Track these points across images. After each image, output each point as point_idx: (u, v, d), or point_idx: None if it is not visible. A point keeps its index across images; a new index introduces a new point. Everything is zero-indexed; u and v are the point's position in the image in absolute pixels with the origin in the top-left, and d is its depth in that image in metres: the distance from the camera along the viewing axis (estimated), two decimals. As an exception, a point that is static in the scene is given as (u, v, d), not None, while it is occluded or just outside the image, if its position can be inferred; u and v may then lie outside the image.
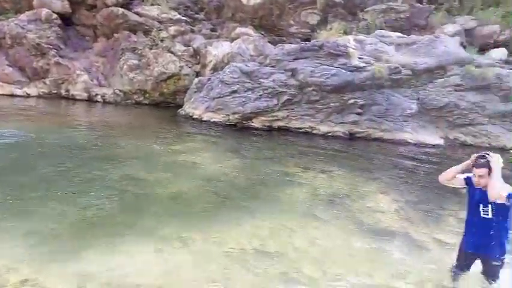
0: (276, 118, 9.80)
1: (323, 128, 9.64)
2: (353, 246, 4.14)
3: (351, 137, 9.59)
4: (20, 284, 2.96)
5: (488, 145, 9.45)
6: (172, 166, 6.51)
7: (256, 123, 9.85)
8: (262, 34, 12.35)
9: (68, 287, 2.99)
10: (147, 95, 12.33)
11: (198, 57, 12.25)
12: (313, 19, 12.41)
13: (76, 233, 3.86)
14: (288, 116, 9.76)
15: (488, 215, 3.12)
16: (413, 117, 9.65)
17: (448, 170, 3.38)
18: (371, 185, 6.28)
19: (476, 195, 3.15)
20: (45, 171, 5.62)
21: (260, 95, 9.75)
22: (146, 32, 12.55)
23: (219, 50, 11.80)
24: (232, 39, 12.06)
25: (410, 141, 9.38)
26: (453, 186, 3.44)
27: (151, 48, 12.25)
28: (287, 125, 9.78)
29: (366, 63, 9.56)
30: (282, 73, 9.84)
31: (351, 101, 9.56)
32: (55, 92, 12.24)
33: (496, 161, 3.04)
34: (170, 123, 10.23)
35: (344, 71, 9.49)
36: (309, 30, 12.41)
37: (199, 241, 3.91)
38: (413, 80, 9.83)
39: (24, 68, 12.24)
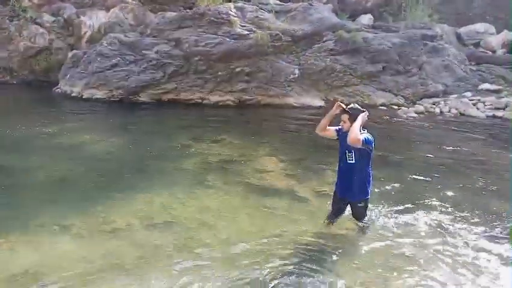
0: (165, 91, 9.53)
1: (213, 98, 9.70)
2: (242, 207, 4.35)
3: (242, 104, 9.84)
4: None
5: (361, 103, 10.51)
6: (50, 149, 5.97)
7: (143, 97, 9.46)
8: (140, 2, 11.65)
9: None
10: (14, 73, 10.88)
11: (71, 28, 11.11)
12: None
13: None
14: (176, 87, 9.57)
15: (352, 160, 3.51)
16: (296, 82, 10.25)
17: (320, 122, 3.69)
18: (259, 149, 6.58)
19: (344, 143, 3.48)
20: None
21: (144, 68, 9.33)
22: (4, 1, 10.89)
23: (93, 19, 10.84)
24: (108, 8, 11.16)
25: (295, 105, 9.97)
26: (328, 137, 3.76)
27: (11, 20, 10.70)
28: (176, 97, 9.60)
29: (249, 30, 9.75)
30: (166, 43, 9.51)
31: (238, 69, 9.73)
32: None
33: (361, 112, 3.44)
34: (44, 104, 9.25)
35: (228, 39, 9.56)
36: (190, -2, 12.09)
37: (82, 225, 3.71)
38: (294, 47, 10.36)
39: None
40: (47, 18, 11.01)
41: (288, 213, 4.22)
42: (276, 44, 10.04)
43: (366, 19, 13.01)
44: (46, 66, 10.89)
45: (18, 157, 5.50)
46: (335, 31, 10.67)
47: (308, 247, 3.49)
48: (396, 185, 4.99)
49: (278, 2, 11.16)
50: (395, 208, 4.31)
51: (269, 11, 10.61)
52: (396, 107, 10.10)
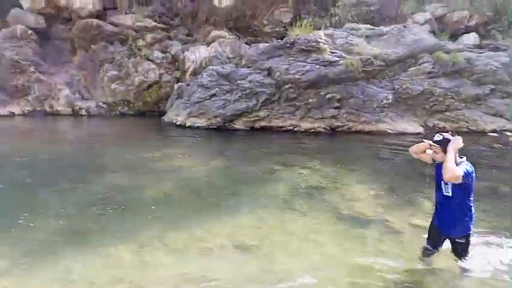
0: (258, 118, 9.98)
1: (304, 125, 9.84)
2: (329, 234, 4.33)
3: (333, 131, 9.81)
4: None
5: (467, 130, 9.70)
6: (154, 171, 6.65)
7: (238, 124, 10.02)
8: (237, 36, 12.52)
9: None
10: (131, 105, 12.42)
11: (177, 63, 12.38)
12: (286, 17, 12.64)
13: (57, 241, 3.99)
14: (268, 115, 9.95)
15: (449, 193, 3.25)
16: (390, 107, 9.91)
17: (419, 143, 3.47)
18: (349, 177, 6.49)
19: (439, 172, 3.20)
20: (27, 187, 5.71)
21: (239, 97, 9.93)
22: (123, 42, 12.64)
23: (196, 54, 11.95)
24: (209, 43, 12.22)
25: (389, 131, 9.61)
26: (423, 160, 3.52)
27: (129, 58, 12.34)
28: (269, 125, 9.96)
29: (338, 57, 9.80)
30: (259, 73, 10.03)
31: (328, 96, 9.78)
32: (39, 109, 12.26)
33: (454, 142, 3.12)
34: (154, 131, 10.36)
35: (317, 66, 9.73)
36: (283, 29, 12.63)
37: (179, 241, 4.07)
38: (386, 71, 10.09)
39: (5, 87, 12.22)
40: (157, 55, 12.45)
41: (377, 244, 4.09)
42: (368, 69, 9.90)
43: (470, 38, 12.14)
44: (156, 98, 12.24)
45: (130, 177, 6.25)
46: (432, 53, 10.14)
47: (397, 283, 3.33)
48: (507, 220, 4.49)
49: (370, 27, 11.05)
50: (503, 244, 3.89)
51: (359, 36, 10.55)
52: (509, 134, 9.14)
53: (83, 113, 12.36)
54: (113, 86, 12.29)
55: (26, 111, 12.22)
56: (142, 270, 3.51)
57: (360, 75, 9.85)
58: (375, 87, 9.99)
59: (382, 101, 9.83)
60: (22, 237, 4.06)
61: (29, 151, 7.81)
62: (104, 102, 12.45)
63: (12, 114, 12.11)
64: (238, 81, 10.02)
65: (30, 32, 12.58)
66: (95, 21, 12.60)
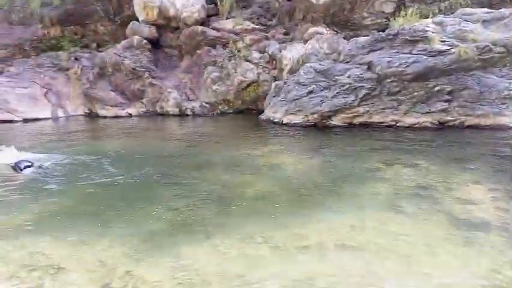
0: (356, 114, 9.64)
1: (408, 120, 9.22)
2: (441, 239, 3.98)
3: (442, 126, 9.01)
4: (124, 275, 3.47)
5: None
6: (255, 168, 6.85)
7: (336, 121, 9.80)
8: (335, 31, 12.24)
9: (162, 278, 3.42)
10: (231, 104, 13.02)
11: (274, 62, 12.58)
12: (389, 7, 11.93)
13: (171, 232, 4.34)
14: (368, 111, 9.54)
15: None
16: (513, 98, 8.72)
17: None
18: (462, 176, 5.89)
19: None
20: (140, 181, 6.34)
21: (337, 93, 9.70)
22: (225, 45, 13.29)
23: (293, 52, 11.99)
24: (306, 41, 12.17)
25: (511, 125, 8.49)
26: None
27: (230, 60, 12.93)
28: (368, 121, 9.56)
29: (450, 45, 8.92)
30: (358, 67, 9.66)
31: (437, 88, 8.99)
32: (152, 110, 13.58)
33: None
34: (252, 129, 10.70)
35: (424, 56, 8.99)
36: (385, 20, 11.95)
37: (280, 238, 4.12)
38: (508, 58, 8.88)
39: (124, 91, 13.79)
40: (255, 55, 12.83)
41: (501, 252, 3.62)
42: (485, 57, 8.83)
43: None
44: (254, 97, 12.64)
45: (233, 174, 6.53)
46: None
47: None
48: None
49: (487, 10, 9.82)
50: None
51: (475, 22, 9.46)
52: None
53: (189, 113, 13.32)
54: (214, 86, 13.01)
55: (141, 112, 13.63)
56: (247, 265, 3.62)
57: (476, 64, 8.84)
58: (494, 77, 8.88)
59: (503, 92, 8.69)
60: (140, 227, 4.50)
61: (143, 147, 8.68)
62: (206, 102, 13.25)
63: (130, 115, 13.62)
64: (336, 77, 9.79)
65: (144, 41, 13.99)
66: (199, 28, 13.49)
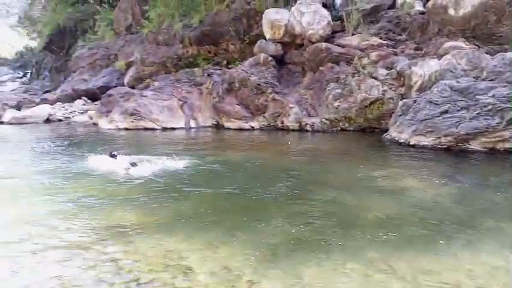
0: (501, 139, 8.43)
1: None
2: None
3: None
4: (248, 285, 3.56)
5: None
6: (377, 191, 6.47)
7: (474, 145, 8.72)
8: (476, 45, 10.98)
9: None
10: (352, 121, 12.68)
11: (402, 79, 11.85)
12: (548, 17, 10.24)
13: (291, 248, 4.33)
14: (516, 135, 8.26)
15: None
16: None
17: None
18: None
19: None
20: (260, 193, 6.50)
21: (478, 113, 8.63)
22: (349, 61, 13.06)
23: (425, 68, 11.12)
24: (440, 56, 11.17)
25: None
26: None
27: (353, 76, 12.64)
28: (516, 146, 8.27)
29: None
30: (505, 86, 8.46)
31: None
32: (273, 124, 14.04)
33: None
34: (375, 148, 10.21)
35: None
36: (542, 32, 10.30)
37: (407, 270, 3.77)
38: None
39: (248, 106, 14.57)
40: (381, 72, 12.28)
41: None
42: None
43: None
44: (378, 115, 12.07)
45: (353, 194, 6.27)
46: None
47: None
48: None
49: None
50: None
51: None
52: None
53: (308, 129, 13.37)
54: (336, 103, 12.84)
55: (262, 126, 14.19)
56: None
57: None
58: None
59: None
60: (261, 239, 4.59)
61: (264, 160, 8.96)
62: (327, 119, 13.13)
63: (252, 128, 14.29)
64: (477, 97, 8.73)
65: (270, 58, 14.61)
66: (324, 44, 13.54)
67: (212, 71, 16.64)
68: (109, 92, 16.98)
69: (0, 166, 8.63)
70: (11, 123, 17.08)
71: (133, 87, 17.82)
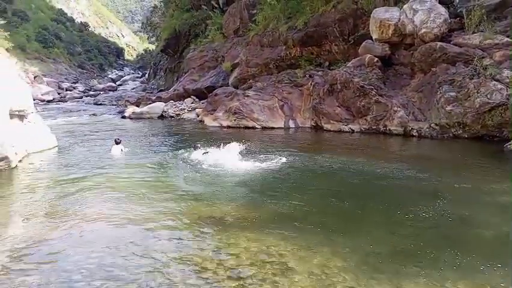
0: None
1: None
2: None
3: None
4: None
5: None
6: (494, 206, 5.80)
7: None
8: None
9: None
10: (466, 127, 11.47)
11: (535, 82, 10.36)
12: None
13: (391, 258, 4.10)
14: None
15: None
16: None
17: None
18: None
19: None
20: (361, 199, 6.25)
21: None
22: (467, 62, 11.83)
23: None
24: None
25: None
26: None
27: (471, 78, 11.41)
28: None
29: None
30: None
31: None
32: (374, 127, 13.44)
33: None
34: (494, 159, 9.10)
35: None
36: None
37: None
38: None
39: (349, 108, 14.17)
40: (506, 73, 10.87)
41: None
42: None
43: None
44: (499, 121, 10.70)
45: (464, 208, 5.69)
46: None
47: None
48: None
49: None
50: None
51: None
52: None
53: (414, 134, 12.48)
54: (449, 107, 11.74)
55: (363, 129, 13.66)
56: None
57: None
58: None
59: None
60: (361, 245, 4.43)
61: (365, 165, 8.60)
62: (436, 124, 12.10)
63: (352, 131, 13.85)
64: None
65: (375, 59, 14.00)
66: (438, 44, 12.46)
67: (314, 72, 16.57)
68: (215, 91, 18.06)
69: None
70: (131, 118, 19.25)
71: (236, 87, 18.67)
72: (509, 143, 9.51)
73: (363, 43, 14.60)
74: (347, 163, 8.83)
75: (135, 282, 3.64)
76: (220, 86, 19.47)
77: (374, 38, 14.35)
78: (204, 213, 5.42)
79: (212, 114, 16.93)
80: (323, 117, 14.76)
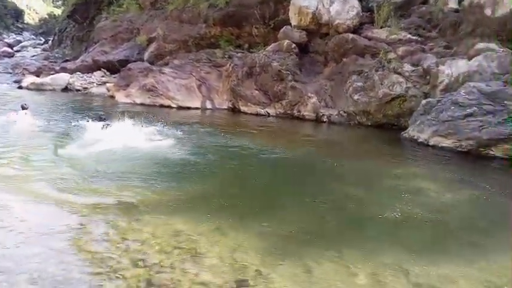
0: (525, 148, 8.13)
1: None
2: None
3: None
4: (256, 275, 3.49)
5: None
6: (392, 189, 6.33)
7: (496, 151, 8.43)
8: (509, 49, 10.52)
9: (290, 285, 3.33)
10: (370, 116, 12.37)
11: (428, 77, 11.49)
12: None
13: (302, 242, 4.24)
14: (544, 145, 7.95)
15: None
16: None
17: None
18: None
19: None
20: (271, 184, 6.39)
21: (504, 120, 8.32)
22: (374, 55, 12.70)
23: (453, 68, 10.74)
24: (471, 57, 10.76)
25: None
26: None
27: (377, 70, 12.30)
28: (542, 157, 7.97)
29: None
30: (538, 94, 8.11)
31: None
32: (289, 112, 13.84)
33: None
34: (392, 146, 9.98)
35: None
36: None
37: (422, 275, 3.65)
38: None
39: (267, 92, 14.36)
40: (407, 68, 11.90)
41: None
42: None
43: None
44: (398, 112, 11.75)
45: (366, 192, 6.14)
46: None
47: None
48: None
49: None
50: None
51: None
52: None
53: (325, 120, 13.14)
54: (356, 96, 12.54)
55: (278, 113, 14.00)
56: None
57: None
58: None
59: None
60: (272, 229, 4.50)
61: (279, 149, 8.83)
62: (345, 111, 12.87)
63: (268, 115, 14.12)
64: (506, 102, 8.40)
65: (293, 46, 14.30)
66: (350, 35, 13.17)
67: (233, 53, 16.41)
68: (129, 66, 16.94)
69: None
70: (29, 89, 17.22)
71: (152, 63, 17.74)
72: (405, 131, 10.48)
73: (283, 28, 14.81)
74: (260, 146, 8.95)
75: (26, 273, 3.24)
76: (135, 61, 18.30)
77: (293, 24, 14.63)
78: (104, 196, 5.04)
79: (125, 90, 15.90)
80: (240, 100, 14.78)
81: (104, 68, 20.30)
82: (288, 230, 4.48)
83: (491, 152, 8.50)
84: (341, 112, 12.93)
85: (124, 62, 18.79)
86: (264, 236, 4.24)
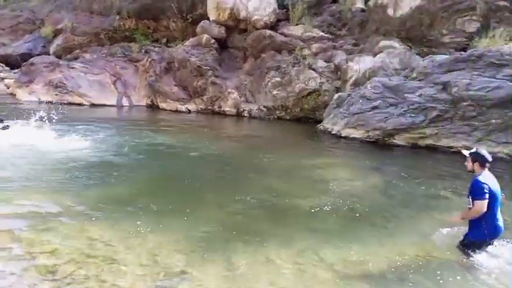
0: (423, 135, 9.08)
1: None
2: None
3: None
4: (179, 274, 3.43)
5: None
6: (309, 180, 6.64)
7: (399, 140, 9.30)
8: (409, 46, 11.64)
9: (216, 282, 3.34)
10: (288, 110, 12.85)
11: (339, 72, 12.24)
12: (472, 26, 11.11)
13: (224, 236, 4.25)
14: (436, 133, 8.95)
15: None
16: None
17: None
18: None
19: None
20: (194, 182, 6.32)
21: (404, 111, 9.20)
22: (290, 51, 13.16)
23: (360, 65, 11.59)
24: (376, 54, 11.70)
25: None
26: None
27: (293, 66, 12.77)
28: (436, 144, 8.96)
29: (542, 73, 8.12)
30: (431, 87, 9.10)
31: (518, 118, 8.22)
32: (210, 108, 13.78)
33: None
34: (309, 138, 10.47)
35: (510, 83, 8.25)
36: (465, 39, 11.17)
37: (336, 258, 3.88)
38: None
39: (187, 88, 14.13)
40: (320, 64, 12.56)
41: None
42: None
43: None
44: (314, 106, 12.36)
45: (286, 183, 6.38)
46: None
47: None
48: None
49: None
50: None
51: None
52: None
53: (245, 115, 13.34)
54: (275, 91, 12.92)
55: (199, 109, 13.87)
56: (304, 285, 3.44)
57: None
58: None
59: None
60: (194, 226, 4.45)
61: (198, 144, 8.74)
62: (264, 106, 13.18)
63: (189, 111, 13.91)
64: (406, 95, 9.29)
65: (212, 41, 14.23)
66: (268, 31, 13.48)
67: (150, 47, 15.82)
68: (32, 60, 15.42)
69: None
70: None
71: (59, 58, 16.36)
72: (320, 124, 11.06)
73: (201, 23, 14.63)
74: (182, 143, 8.79)
75: None
76: (39, 54, 16.73)
77: (211, 19, 14.53)
78: (7, 204, 4.55)
79: (27, 86, 14.45)
80: (159, 96, 14.33)
81: (2, 62, 18.22)
82: (211, 227, 4.46)
83: (395, 141, 9.35)
84: (260, 107, 13.21)
85: (26, 56, 17.06)
86: (186, 235, 4.17)
